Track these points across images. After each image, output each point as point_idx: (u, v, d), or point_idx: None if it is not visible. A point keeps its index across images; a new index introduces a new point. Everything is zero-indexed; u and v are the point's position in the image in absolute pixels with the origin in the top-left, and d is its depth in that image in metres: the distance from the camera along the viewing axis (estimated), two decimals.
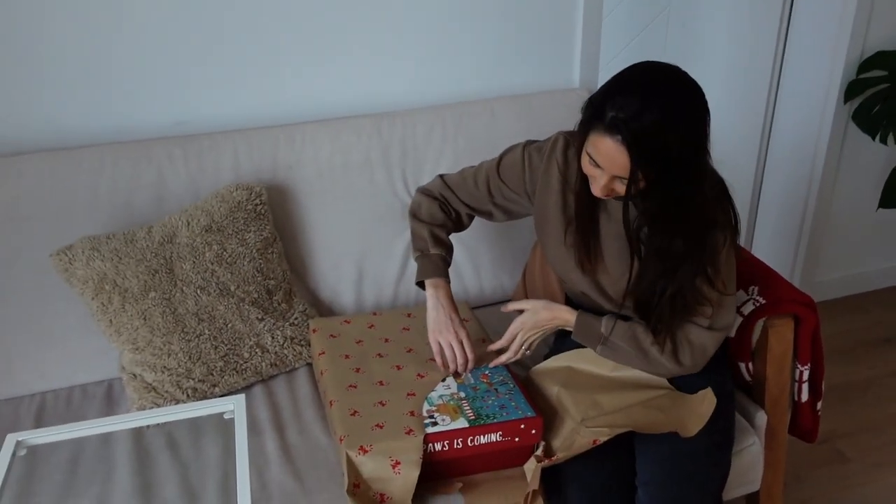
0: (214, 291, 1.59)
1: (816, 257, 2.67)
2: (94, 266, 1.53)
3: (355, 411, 1.36)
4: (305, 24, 1.82)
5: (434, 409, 1.36)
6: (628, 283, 1.36)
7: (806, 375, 1.57)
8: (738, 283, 1.42)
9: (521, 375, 1.53)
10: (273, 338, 1.63)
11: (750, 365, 1.56)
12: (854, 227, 2.67)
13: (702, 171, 1.25)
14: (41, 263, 1.57)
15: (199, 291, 1.58)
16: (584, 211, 1.40)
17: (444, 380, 1.45)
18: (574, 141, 1.38)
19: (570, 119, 1.34)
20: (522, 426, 1.33)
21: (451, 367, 1.46)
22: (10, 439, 1.14)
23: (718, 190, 1.32)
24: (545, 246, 1.51)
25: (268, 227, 1.69)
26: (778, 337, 1.50)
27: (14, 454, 1.12)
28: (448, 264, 1.52)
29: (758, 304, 1.51)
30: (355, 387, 1.43)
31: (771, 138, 2.66)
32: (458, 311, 1.48)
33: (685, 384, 1.42)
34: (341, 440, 1.29)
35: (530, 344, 1.48)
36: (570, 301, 1.57)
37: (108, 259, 1.54)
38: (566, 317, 1.44)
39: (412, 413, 1.35)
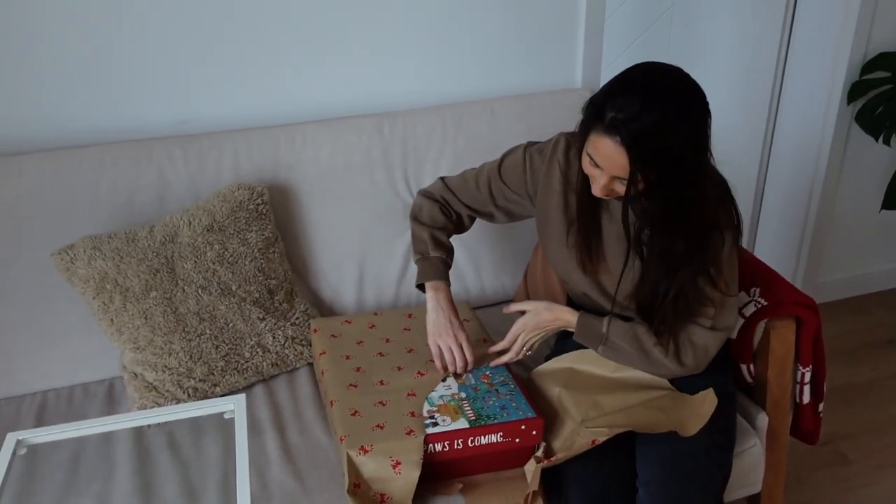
0: (216, 291, 1.59)
1: (819, 258, 2.66)
2: (95, 265, 1.53)
3: (356, 411, 1.35)
4: (306, 23, 1.82)
5: (435, 409, 1.36)
6: (620, 276, 1.36)
7: (808, 377, 1.56)
8: (740, 284, 1.42)
9: (523, 376, 1.53)
10: (274, 337, 1.63)
11: (751, 366, 1.56)
12: (857, 228, 2.67)
13: (703, 172, 1.24)
14: (42, 263, 1.57)
15: (200, 291, 1.58)
16: (585, 211, 1.40)
17: (444, 380, 1.45)
18: (575, 141, 1.38)
19: (572, 119, 1.34)
20: (523, 427, 1.33)
21: (451, 369, 1.46)
22: (11, 438, 1.14)
23: (721, 191, 1.32)
24: (547, 247, 1.51)
25: (269, 226, 1.69)
26: (779, 339, 1.50)
27: (15, 453, 1.13)
28: (448, 267, 1.52)
29: (759, 306, 1.51)
30: (356, 386, 1.43)
31: (774, 139, 2.66)
32: (458, 314, 1.48)
33: (686, 385, 1.41)
34: (342, 440, 1.29)
35: (532, 345, 1.48)
36: (571, 302, 1.57)
37: (109, 258, 1.54)
38: (568, 318, 1.44)
39: (413, 414, 1.34)
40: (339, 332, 1.61)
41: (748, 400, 1.59)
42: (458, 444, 1.31)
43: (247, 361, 1.60)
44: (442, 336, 1.45)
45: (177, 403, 1.52)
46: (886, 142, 2.32)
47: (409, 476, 1.27)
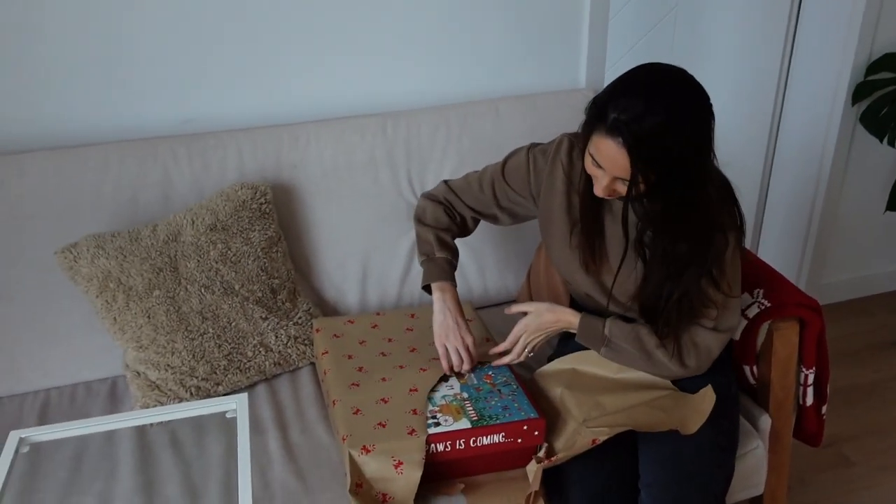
0: (219, 290, 1.59)
1: (823, 259, 2.66)
2: (98, 264, 1.53)
3: (358, 409, 1.36)
4: (310, 23, 1.82)
5: (437, 409, 1.36)
6: (617, 272, 1.35)
7: (811, 379, 1.56)
8: (743, 285, 1.42)
9: (526, 377, 1.53)
10: (277, 337, 1.63)
11: (755, 368, 1.55)
12: (861, 229, 2.66)
13: (705, 174, 1.24)
14: (46, 261, 1.58)
15: (203, 290, 1.58)
16: (588, 212, 1.39)
17: (447, 379, 1.45)
18: (578, 142, 1.38)
19: (576, 119, 1.34)
20: (525, 427, 1.33)
21: (458, 371, 1.46)
22: (14, 436, 1.14)
23: (724, 192, 1.32)
24: (550, 247, 1.51)
25: (272, 226, 1.69)
26: (783, 340, 1.49)
27: (17, 451, 1.13)
28: (454, 268, 1.52)
29: (763, 308, 1.51)
30: (358, 386, 1.43)
31: (778, 140, 2.65)
32: (465, 315, 1.48)
33: (689, 386, 1.41)
34: (344, 440, 1.29)
35: (534, 347, 1.48)
36: (574, 303, 1.57)
37: (112, 257, 1.54)
38: (570, 319, 1.44)
39: (415, 411, 1.34)
40: (342, 331, 1.61)
41: (751, 402, 1.59)
42: (460, 445, 1.31)
43: (249, 361, 1.60)
44: (449, 337, 1.45)
45: (179, 402, 1.52)
46: (891, 143, 2.32)
47: (410, 476, 1.27)
